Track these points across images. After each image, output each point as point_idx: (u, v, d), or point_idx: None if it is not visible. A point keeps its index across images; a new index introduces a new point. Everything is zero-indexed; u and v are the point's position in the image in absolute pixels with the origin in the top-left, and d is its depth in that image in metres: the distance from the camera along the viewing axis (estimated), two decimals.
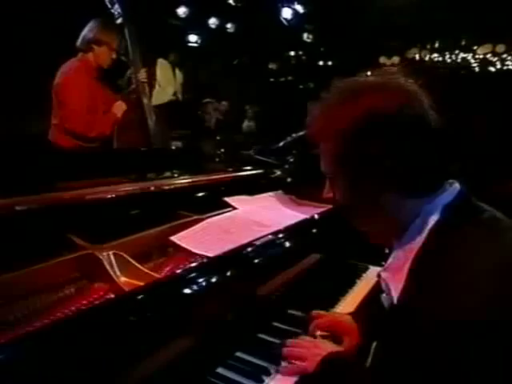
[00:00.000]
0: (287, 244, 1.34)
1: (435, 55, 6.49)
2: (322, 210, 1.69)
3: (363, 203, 0.77)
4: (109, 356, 0.74)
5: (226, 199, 1.49)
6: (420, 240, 0.72)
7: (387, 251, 1.71)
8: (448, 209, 0.73)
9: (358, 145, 0.71)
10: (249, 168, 1.95)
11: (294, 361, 0.92)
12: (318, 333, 1.05)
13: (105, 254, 0.98)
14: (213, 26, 5.31)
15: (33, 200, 1.02)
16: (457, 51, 6.33)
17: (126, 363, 0.76)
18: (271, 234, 1.28)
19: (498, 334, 0.60)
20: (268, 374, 0.92)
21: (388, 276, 0.78)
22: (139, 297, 0.85)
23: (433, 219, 0.72)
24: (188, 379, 0.87)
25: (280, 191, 1.79)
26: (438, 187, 0.75)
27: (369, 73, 0.82)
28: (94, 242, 1.03)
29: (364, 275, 1.52)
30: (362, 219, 0.82)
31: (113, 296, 0.90)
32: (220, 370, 0.93)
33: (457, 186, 0.77)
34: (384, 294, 0.84)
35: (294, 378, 0.89)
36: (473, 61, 6.39)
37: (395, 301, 0.75)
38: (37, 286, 0.90)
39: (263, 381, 0.90)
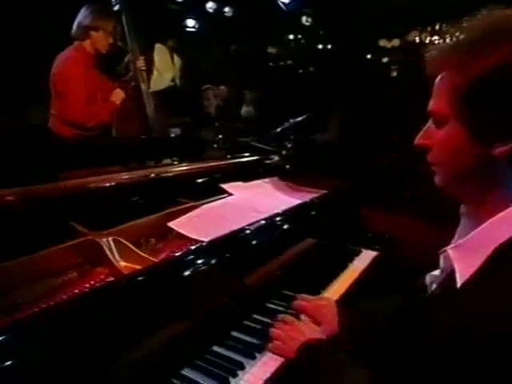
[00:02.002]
0: (281, 229, 1.38)
1: (436, 37, 6.41)
2: (316, 195, 1.73)
3: (464, 156, 0.66)
4: (110, 335, 0.79)
5: (222, 186, 1.53)
6: (510, 232, 0.63)
7: (388, 236, 1.76)
8: None
9: (491, 93, 0.61)
10: (246, 155, 1.99)
11: (274, 341, 0.98)
12: (302, 316, 1.10)
13: (105, 239, 1.03)
14: (210, 11, 5.26)
15: (36, 189, 1.06)
16: (457, 33, 6.24)
17: (126, 342, 0.81)
18: (265, 219, 1.32)
19: None
20: (260, 350, 0.98)
21: (457, 256, 0.69)
22: (137, 279, 0.90)
23: None
24: (185, 357, 0.93)
25: (275, 177, 1.83)
26: None
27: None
28: (95, 229, 1.07)
29: (356, 258, 1.57)
30: (453, 173, 0.71)
31: (113, 279, 0.96)
32: (216, 348, 0.99)
33: None
34: (435, 273, 0.78)
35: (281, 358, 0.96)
36: None
37: (458, 285, 0.66)
38: (42, 270, 0.95)
39: (255, 357, 0.96)
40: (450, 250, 0.71)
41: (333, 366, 0.86)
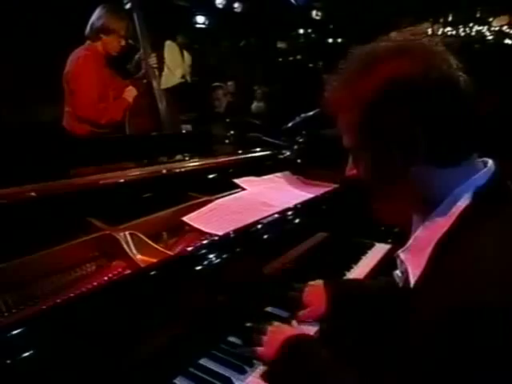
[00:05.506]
0: (294, 223, 1.39)
1: (448, 29, 6.32)
2: (328, 189, 1.74)
3: (389, 177, 0.71)
4: (129, 326, 0.82)
5: (235, 180, 1.54)
6: (446, 224, 0.67)
7: (397, 230, 1.76)
8: (480, 193, 0.67)
9: (382, 113, 0.66)
10: (258, 150, 1.99)
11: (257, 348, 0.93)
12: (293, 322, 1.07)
13: (122, 234, 1.05)
14: (220, 6, 5.26)
15: (53, 186, 1.09)
16: (471, 24, 6.14)
17: (145, 333, 0.84)
18: (278, 213, 1.33)
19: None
20: None
21: (407, 257, 0.73)
22: (155, 272, 0.92)
23: (463, 203, 0.66)
24: (202, 347, 0.95)
25: (287, 172, 1.83)
26: (468, 156, 0.69)
27: (393, 34, 0.76)
28: (112, 224, 1.10)
29: (369, 252, 1.57)
30: (385, 195, 0.76)
31: (130, 272, 0.98)
32: (232, 339, 1.01)
33: (491, 166, 0.71)
34: (397, 272, 0.82)
35: None
36: (488, 33, 6.21)
37: (412, 285, 0.70)
38: (61, 264, 0.98)
39: None
40: (401, 254, 0.75)
41: (319, 362, 0.84)
